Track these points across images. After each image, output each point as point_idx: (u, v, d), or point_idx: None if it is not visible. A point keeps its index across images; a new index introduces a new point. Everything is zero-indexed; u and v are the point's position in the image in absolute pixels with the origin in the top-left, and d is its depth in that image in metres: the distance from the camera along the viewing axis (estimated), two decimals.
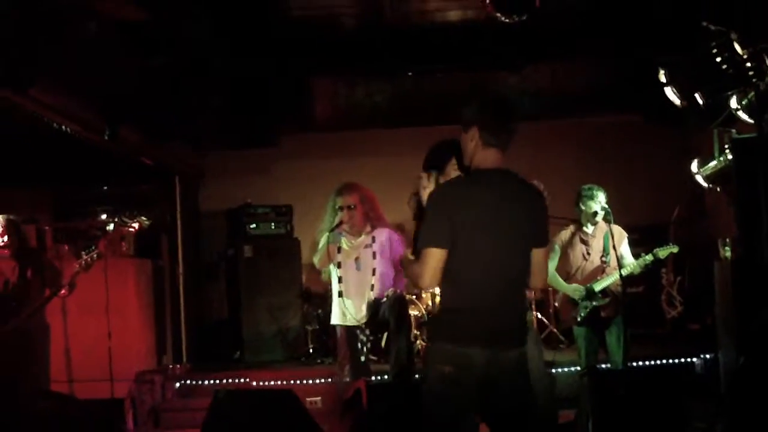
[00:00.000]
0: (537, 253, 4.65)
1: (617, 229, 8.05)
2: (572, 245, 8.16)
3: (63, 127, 8.42)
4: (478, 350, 4.47)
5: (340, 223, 7.41)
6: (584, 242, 8.11)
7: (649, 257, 7.89)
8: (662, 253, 7.93)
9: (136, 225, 10.45)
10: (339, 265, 7.57)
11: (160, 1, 7.33)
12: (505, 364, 4.51)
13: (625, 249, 8.04)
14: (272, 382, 9.74)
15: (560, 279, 8.11)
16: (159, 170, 11.25)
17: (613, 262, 7.75)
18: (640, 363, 9.22)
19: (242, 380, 9.95)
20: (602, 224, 7.95)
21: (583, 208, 8.01)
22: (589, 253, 8.07)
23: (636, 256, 8.07)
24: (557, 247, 8.15)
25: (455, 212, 4.48)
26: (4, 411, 6.95)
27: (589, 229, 8.08)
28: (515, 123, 4.67)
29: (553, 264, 8.03)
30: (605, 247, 7.77)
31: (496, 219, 4.51)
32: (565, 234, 8.20)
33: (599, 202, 7.92)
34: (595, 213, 7.91)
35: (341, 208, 7.46)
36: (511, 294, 4.60)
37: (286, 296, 11.54)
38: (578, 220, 8.15)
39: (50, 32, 6.75)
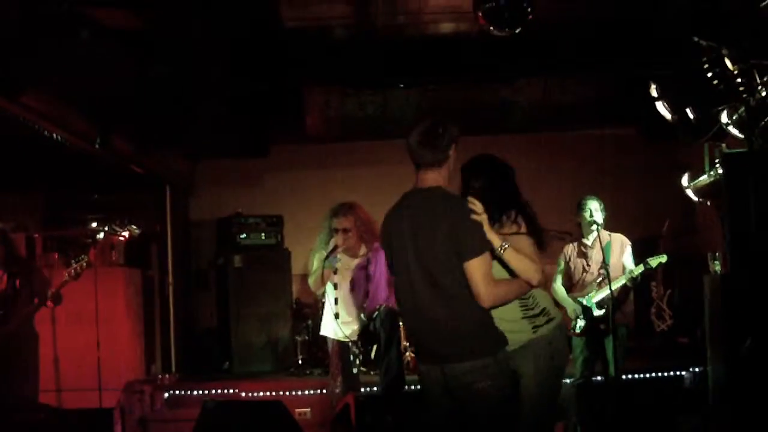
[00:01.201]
0: (470, 266, 4.61)
1: (619, 238, 8.09)
2: (574, 258, 8.20)
3: (54, 134, 8.41)
4: (429, 366, 4.78)
5: (335, 247, 7.37)
6: (583, 254, 8.14)
7: (639, 268, 7.90)
8: (653, 262, 7.94)
9: (126, 234, 10.46)
10: (336, 286, 7.56)
11: (154, 10, 7.33)
12: (458, 378, 4.65)
13: (627, 258, 8.06)
14: (261, 393, 9.72)
15: (564, 292, 8.17)
16: (150, 179, 11.23)
17: (614, 273, 7.76)
18: (629, 376, 9.23)
19: (231, 391, 9.92)
20: (604, 234, 7.97)
21: (578, 219, 8.05)
22: (589, 265, 8.10)
23: None
24: (561, 261, 8.27)
25: (386, 245, 4.95)
26: None
27: (588, 240, 8.11)
28: (425, 140, 4.74)
29: (557, 277, 8.18)
30: (605, 258, 7.79)
31: (410, 242, 4.73)
32: (568, 248, 8.27)
33: (590, 209, 7.94)
34: (590, 223, 7.94)
35: (336, 230, 7.43)
36: (446, 311, 4.67)
37: (276, 307, 11.52)
38: (580, 232, 8.20)
39: (42, 39, 6.74)
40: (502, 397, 4.67)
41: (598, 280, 7.96)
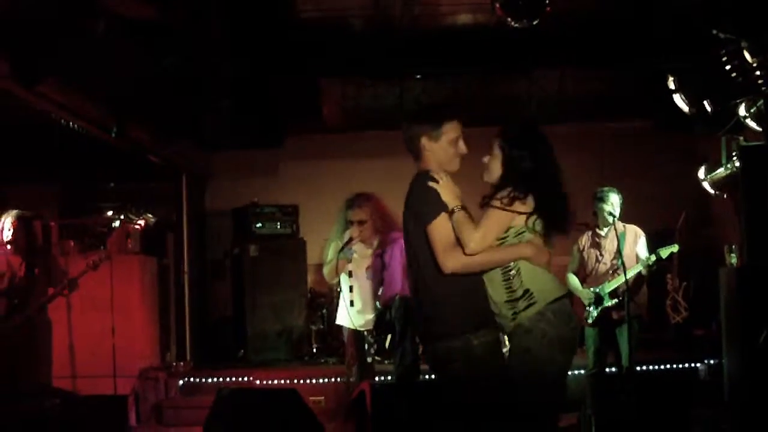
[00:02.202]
0: (428, 233, 4.57)
1: (633, 229, 8.06)
2: (587, 248, 8.19)
3: (70, 123, 8.44)
4: (425, 345, 4.97)
5: (351, 239, 7.37)
6: (597, 245, 8.12)
7: (651, 257, 7.88)
8: (664, 252, 7.91)
9: (142, 222, 10.51)
10: (350, 274, 7.55)
11: (170, 0, 7.34)
12: (436, 357, 4.73)
13: (641, 248, 8.03)
14: (276, 381, 9.74)
15: (577, 281, 8.16)
16: (166, 168, 11.26)
17: (627, 263, 7.76)
18: (644, 368, 9.22)
19: (246, 379, 9.97)
20: (619, 225, 7.94)
21: (596, 210, 8.02)
22: (602, 255, 8.09)
23: None
24: (575, 251, 8.25)
25: None
26: (6, 407, 6.96)
27: (602, 231, 8.09)
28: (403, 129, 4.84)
29: (571, 267, 8.22)
30: (620, 249, 7.78)
31: (404, 227, 4.82)
32: (582, 238, 8.26)
33: (611, 204, 7.92)
34: (608, 215, 7.92)
35: (351, 222, 7.42)
36: (425, 290, 4.71)
37: (290, 296, 11.53)
38: (596, 223, 8.18)
39: (59, 29, 6.76)
40: (480, 382, 4.54)
41: (611, 270, 7.96)
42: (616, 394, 7.72)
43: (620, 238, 7.82)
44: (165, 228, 11.66)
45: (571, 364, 4.67)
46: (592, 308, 8.00)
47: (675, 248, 8.01)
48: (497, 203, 4.54)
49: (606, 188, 8.01)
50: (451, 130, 4.72)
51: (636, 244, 8.03)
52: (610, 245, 8.02)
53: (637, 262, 7.92)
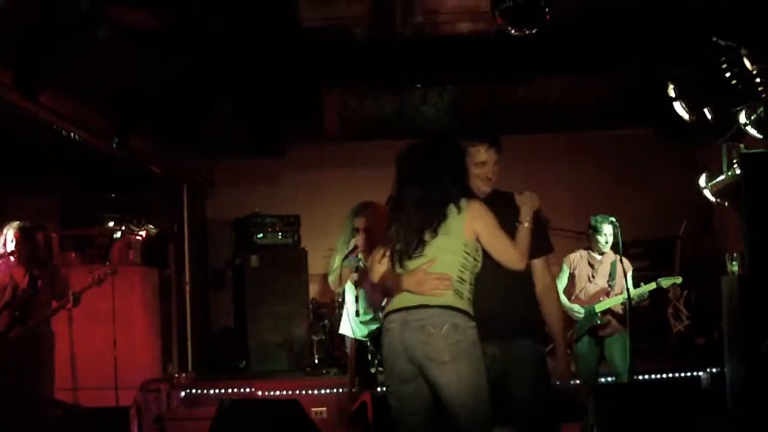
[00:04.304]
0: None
1: (624, 262, 8.10)
2: (579, 267, 8.20)
3: (71, 134, 8.44)
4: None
5: (355, 248, 7.34)
6: (591, 266, 8.14)
7: (651, 285, 7.90)
8: (665, 282, 7.95)
9: (143, 233, 10.49)
10: (356, 285, 7.51)
11: (172, 10, 7.34)
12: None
13: (628, 281, 8.07)
14: (278, 392, 9.72)
15: (565, 298, 8.15)
16: (167, 178, 11.25)
17: (617, 288, 7.80)
18: (646, 377, 9.21)
19: (248, 390, 9.93)
20: (611, 255, 8.01)
21: (590, 237, 8.05)
22: (594, 276, 8.09)
23: (641, 270, 8.11)
24: (566, 268, 8.24)
25: None
26: (9, 418, 6.96)
27: (597, 256, 8.10)
28: None
29: (561, 284, 8.14)
30: (612, 273, 7.84)
31: None
32: (574, 256, 8.25)
33: (604, 234, 7.95)
34: (601, 245, 7.97)
35: (357, 230, 7.39)
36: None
37: (292, 306, 11.53)
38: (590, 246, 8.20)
39: (61, 39, 6.77)
40: None
41: (602, 292, 7.97)
42: (618, 404, 7.71)
43: (612, 266, 7.89)
44: (166, 238, 11.66)
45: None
46: (579, 325, 8.01)
47: (678, 280, 8.05)
48: None
49: (600, 218, 8.02)
50: (475, 153, 4.95)
51: (623, 278, 8.06)
52: (603, 268, 8.06)
53: (622, 292, 7.93)
